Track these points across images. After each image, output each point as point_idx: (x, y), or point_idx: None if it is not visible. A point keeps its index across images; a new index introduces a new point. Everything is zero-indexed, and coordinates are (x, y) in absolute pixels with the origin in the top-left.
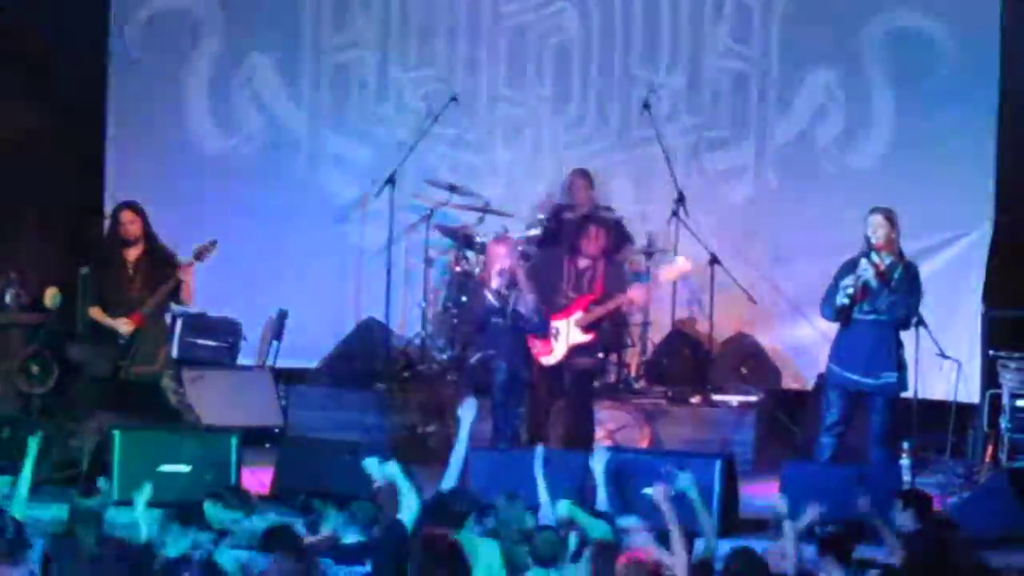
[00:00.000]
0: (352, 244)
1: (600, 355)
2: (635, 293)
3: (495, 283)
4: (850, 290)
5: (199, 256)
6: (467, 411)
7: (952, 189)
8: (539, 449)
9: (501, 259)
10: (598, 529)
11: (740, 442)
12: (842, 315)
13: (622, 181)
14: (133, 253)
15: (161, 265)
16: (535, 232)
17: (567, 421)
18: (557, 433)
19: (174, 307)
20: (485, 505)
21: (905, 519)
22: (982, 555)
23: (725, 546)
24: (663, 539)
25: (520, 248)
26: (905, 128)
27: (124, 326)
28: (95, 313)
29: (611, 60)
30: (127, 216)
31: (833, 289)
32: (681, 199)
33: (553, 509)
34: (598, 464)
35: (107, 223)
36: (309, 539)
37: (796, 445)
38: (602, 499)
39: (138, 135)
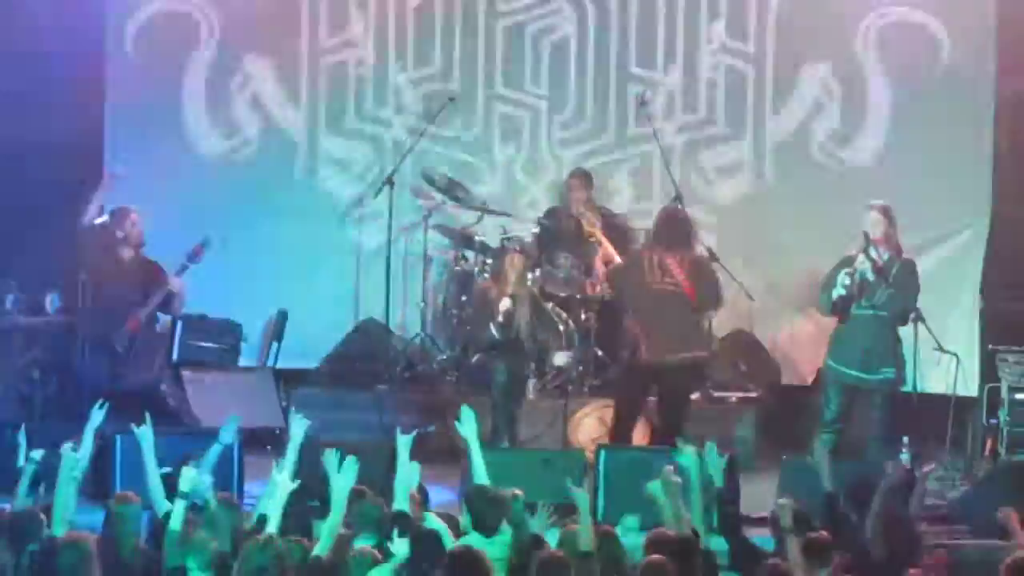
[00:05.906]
0: (351, 245)
1: None
2: None
3: (500, 317)
4: (847, 282)
5: (192, 258)
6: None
7: (949, 184)
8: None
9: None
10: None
11: (740, 439)
12: (838, 308)
13: (620, 179)
14: (127, 258)
15: (152, 272)
16: (534, 231)
17: None
18: None
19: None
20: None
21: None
22: None
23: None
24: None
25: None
26: (902, 123)
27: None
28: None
29: (607, 58)
30: (134, 218)
31: (830, 281)
32: (678, 196)
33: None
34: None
35: (103, 226)
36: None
37: (795, 441)
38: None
39: (136, 138)
